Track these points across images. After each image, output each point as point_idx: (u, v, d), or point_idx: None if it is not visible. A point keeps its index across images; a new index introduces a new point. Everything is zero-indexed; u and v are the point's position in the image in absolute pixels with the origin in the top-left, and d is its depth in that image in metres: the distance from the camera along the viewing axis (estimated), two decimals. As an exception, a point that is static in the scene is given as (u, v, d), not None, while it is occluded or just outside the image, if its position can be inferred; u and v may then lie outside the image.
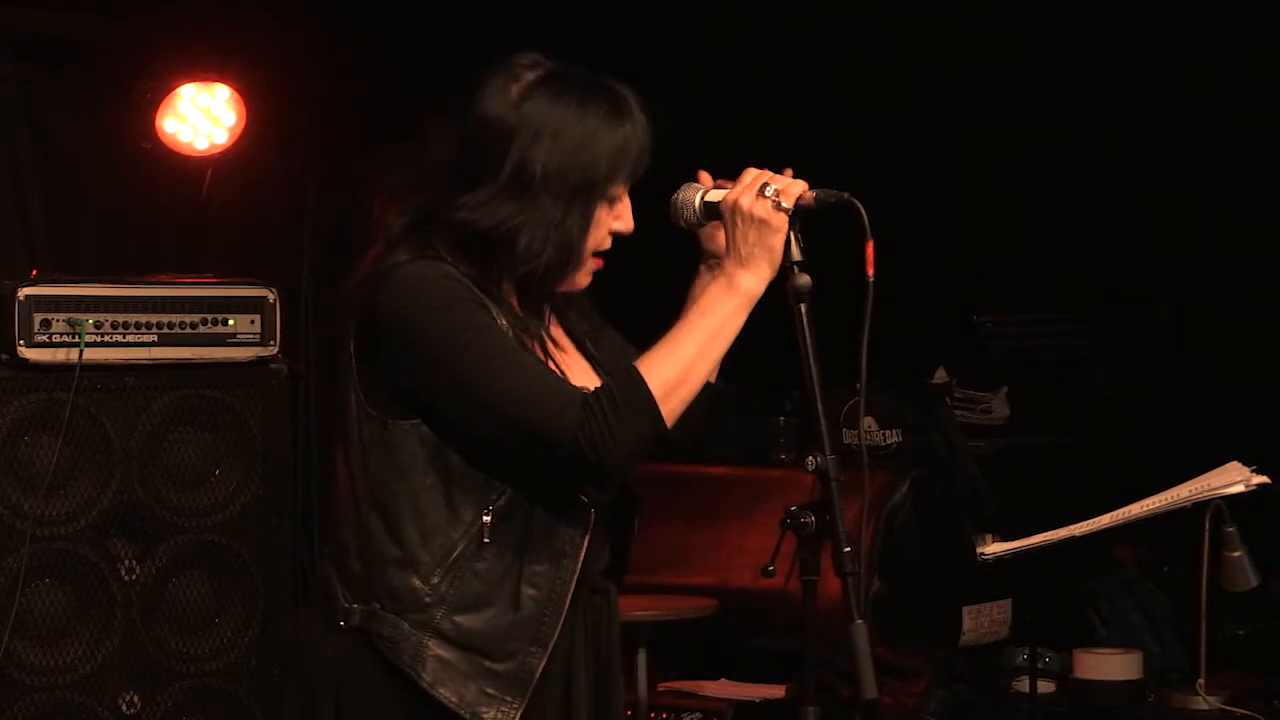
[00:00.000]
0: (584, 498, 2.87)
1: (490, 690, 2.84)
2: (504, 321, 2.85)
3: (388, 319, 2.83)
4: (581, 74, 2.91)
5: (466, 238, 2.85)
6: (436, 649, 2.83)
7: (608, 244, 2.93)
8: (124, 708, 4.69)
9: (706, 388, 2.95)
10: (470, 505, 2.83)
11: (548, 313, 2.97)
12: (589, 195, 2.87)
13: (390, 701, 2.85)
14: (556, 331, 3.00)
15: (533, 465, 2.81)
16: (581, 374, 2.92)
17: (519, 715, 2.85)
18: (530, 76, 2.88)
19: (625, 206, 2.93)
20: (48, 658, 4.61)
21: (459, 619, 2.84)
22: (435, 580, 2.83)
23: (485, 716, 2.84)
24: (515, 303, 2.91)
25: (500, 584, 2.84)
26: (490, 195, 2.83)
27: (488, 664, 2.84)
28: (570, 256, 2.88)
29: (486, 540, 2.83)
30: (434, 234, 2.87)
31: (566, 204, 2.85)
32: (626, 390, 2.79)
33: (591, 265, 2.93)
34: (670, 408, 2.80)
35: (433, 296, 2.82)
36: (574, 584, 2.87)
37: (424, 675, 2.83)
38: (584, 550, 2.87)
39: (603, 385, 2.81)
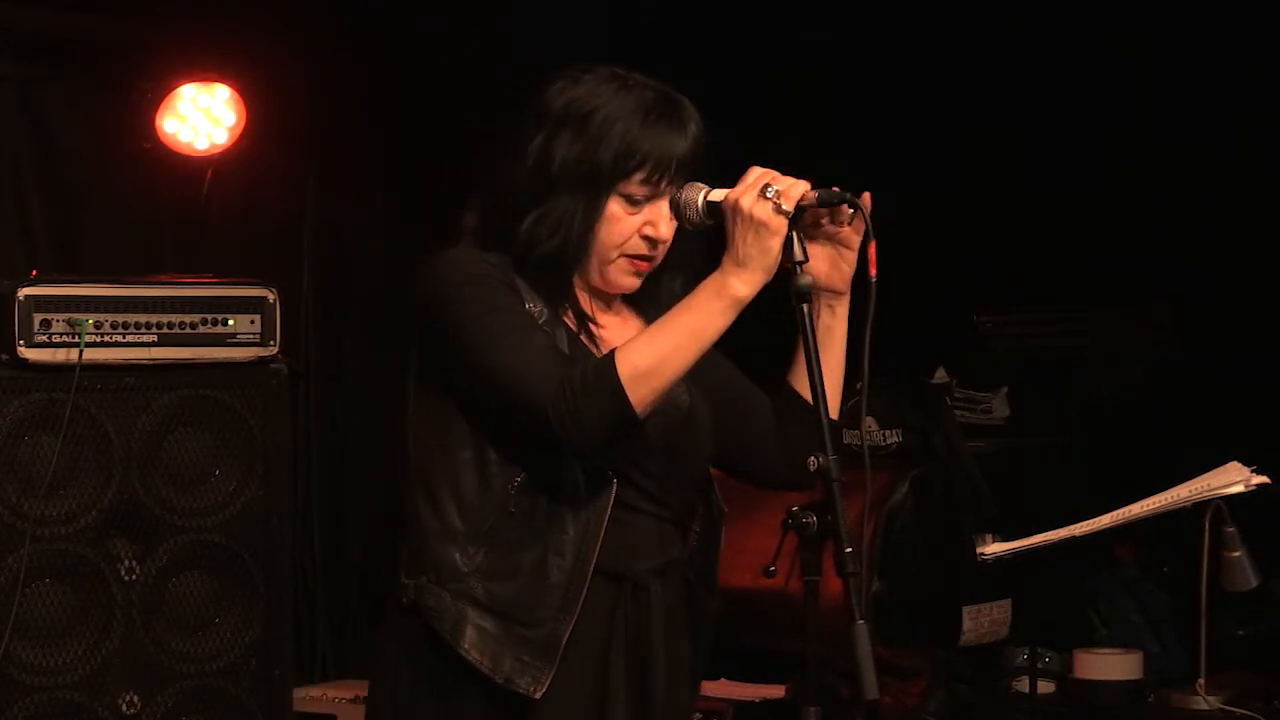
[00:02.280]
0: (608, 470, 2.93)
1: (525, 657, 2.92)
2: (533, 305, 2.94)
3: (424, 299, 2.96)
4: (634, 77, 2.98)
5: (505, 226, 2.96)
6: (475, 618, 2.93)
7: (639, 247, 2.98)
8: (124, 708, 4.69)
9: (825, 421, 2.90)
10: (500, 476, 2.92)
11: (589, 303, 3.03)
12: (595, 187, 2.93)
13: (438, 672, 2.95)
14: (630, 325, 3.05)
15: (526, 437, 2.89)
16: None
17: (549, 680, 2.92)
18: (586, 75, 2.97)
19: (656, 212, 2.97)
20: (48, 658, 4.60)
21: (492, 587, 2.93)
22: (471, 550, 2.93)
23: (519, 683, 2.92)
24: (552, 289, 2.98)
25: (528, 552, 2.92)
26: (514, 182, 2.95)
27: (520, 630, 2.93)
28: (572, 248, 2.95)
29: (513, 510, 2.91)
30: (489, 226, 3.00)
31: (575, 195, 2.93)
32: (596, 372, 2.85)
33: (625, 266, 2.99)
34: (638, 394, 2.83)
35: (461, 275, 2.93)
36: (596, 553, 2.93)
37: (463, 643, 2.93)
38: (605, 520, 2.93)
39: (580, 368, 2.87)
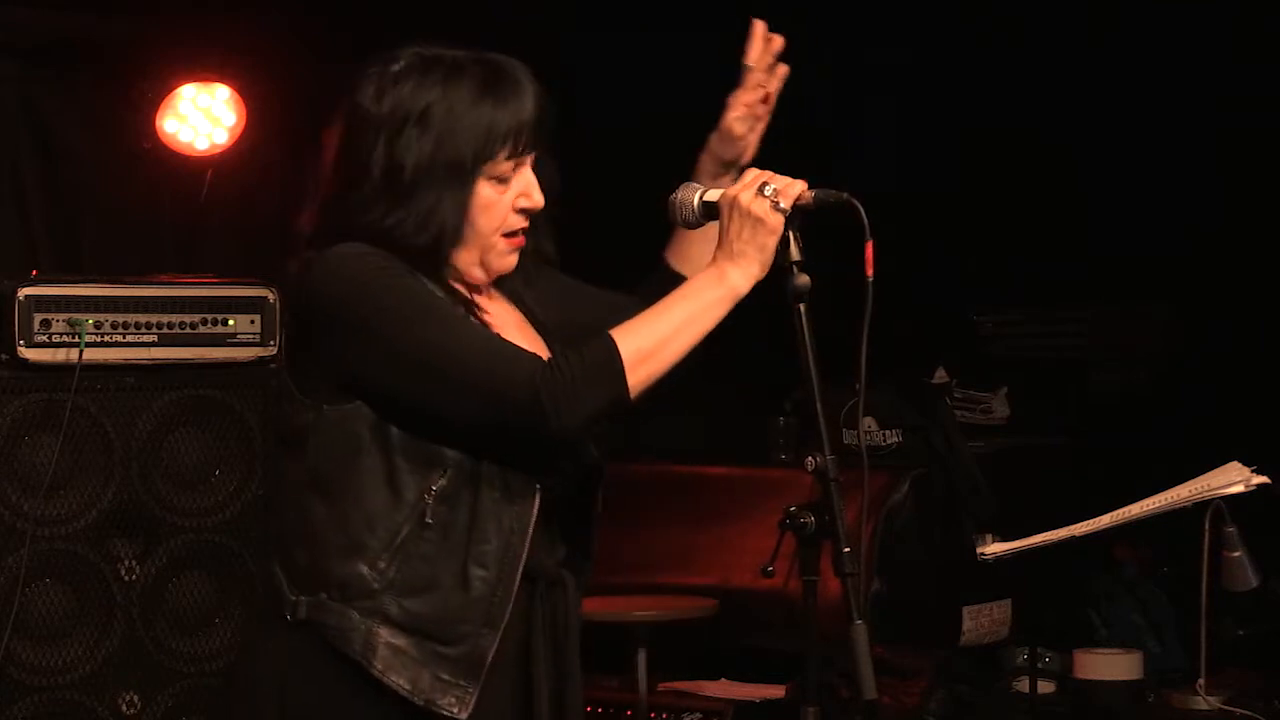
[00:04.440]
0: (531, 476, 2.84)
1: (444, 675, 2.81)
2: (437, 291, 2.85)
3: (317, 302, 2.84)
4: (453, 55, 2.90)
5: (360, 234, 2.84)
6: (387, 636, 2.80)
7: (516, 222, 2.90)
8: (124, 708, 4.69)
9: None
10: (412, 486, 2.80)
11: (473, 293, 2.93)
12: (460, 178, 2.84)
13: (340, 695, 2.82)
14: (503, 308, 2.97)
15: (486, 431, 2.78)
16: (528, 346, 2.88)
17: (474, 700, 2.82)
18: (396, 67, 2.89)
19: (526, 182, 2.90)
20: (48, 658, 4.61)
21: (407, 603, 2.80)
22: (382, 565, 2.80)
23: (440, 703, 2.81)
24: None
25: (447, 565, 2.81)
26: (370, 193, 2.83)
27: (439, 648, 2.81)
28: (446, 240, 2.85)
29: (429, 521, 2.80)
30: (335, 231, 2.87)
31: (439, 190, 2.84)
32: (597, 353, 2.78)
33: (505, 245, 2.91)
34: (638, 378, 2.78)
35: (360, 271, 2.81)
36: (523, 563, 2.84)
37: (375, 664, 2.79)
38: (531, 528, 2.84)
39: (574, 348, 2.79)
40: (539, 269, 3.02)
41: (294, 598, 2.83)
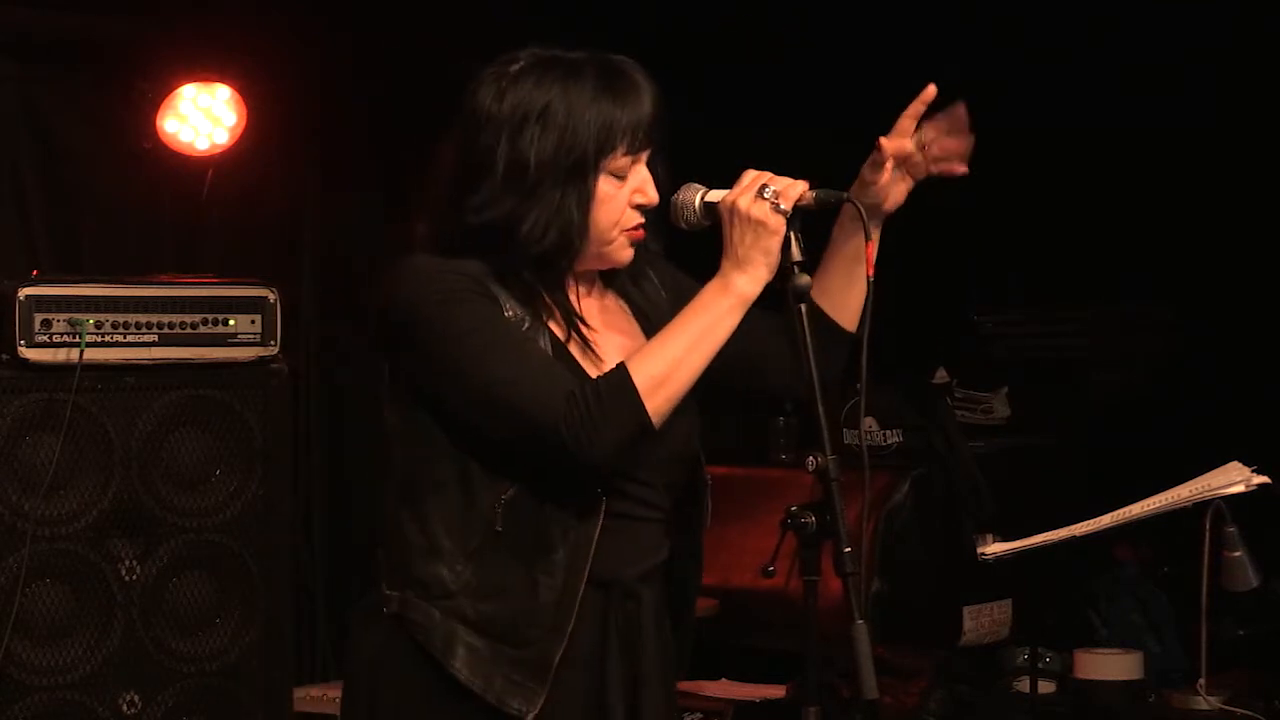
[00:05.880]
0: (597, 488, 2.89)
1: (516, 678, 2.88)
2: (513, 312, 2.89)
3: (399, 311, 2.90)
4: (570, 55, 2.94)
5: (479, 235, 2.89)
6: (465, 636, 2.88)
7: (635, 219, 2.95)
8: (124, 708, 4.69)
9: (845, 337, 2.97)
10: (485, 494, 2.88)
11: (575, 292, 2.98)
12: (582, 173, 2.89)
13: (421, 687, 2.91)
14: (610, 306, 3.03)
15: (525, 455, 2.85)
16: (623, 354, 2.92)
17: (541, 701, 2.88)
18: (515, 68, 2.93)
19: (642, 178, 2.94)
20: (48, 658, 4.61)
21: (482, 606, 2.89)
22: (459, 568, 2.89)
23: (511, 704, 2.88)
24: (542, 289, 2.94)
25: (516, 572, 2.88)
26: (491, 191, 2.88)
27: (510, 651, 2.89)
28: (574, 236, 2.91)
29: (500, 529, 2.87)
30: (452, 235, 2.92)
31: (563, 186, 2.89)
32: (611, 385, 2.82)
33: (624, 239, 2.96)
34: (656, 403, 2.82)
35: (437, 288, 2.87)
36: (586, 572, 2.89)
37: (454, 661, 2.88)
38: (595, 539, 2.89)
39: (590, 379, 2.85)
40: (649, 264, 3.07)
41: (389, 592, 2.94)
